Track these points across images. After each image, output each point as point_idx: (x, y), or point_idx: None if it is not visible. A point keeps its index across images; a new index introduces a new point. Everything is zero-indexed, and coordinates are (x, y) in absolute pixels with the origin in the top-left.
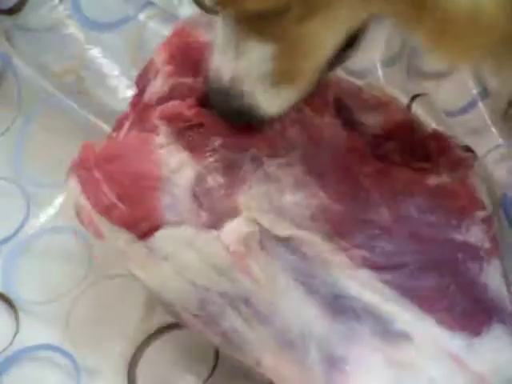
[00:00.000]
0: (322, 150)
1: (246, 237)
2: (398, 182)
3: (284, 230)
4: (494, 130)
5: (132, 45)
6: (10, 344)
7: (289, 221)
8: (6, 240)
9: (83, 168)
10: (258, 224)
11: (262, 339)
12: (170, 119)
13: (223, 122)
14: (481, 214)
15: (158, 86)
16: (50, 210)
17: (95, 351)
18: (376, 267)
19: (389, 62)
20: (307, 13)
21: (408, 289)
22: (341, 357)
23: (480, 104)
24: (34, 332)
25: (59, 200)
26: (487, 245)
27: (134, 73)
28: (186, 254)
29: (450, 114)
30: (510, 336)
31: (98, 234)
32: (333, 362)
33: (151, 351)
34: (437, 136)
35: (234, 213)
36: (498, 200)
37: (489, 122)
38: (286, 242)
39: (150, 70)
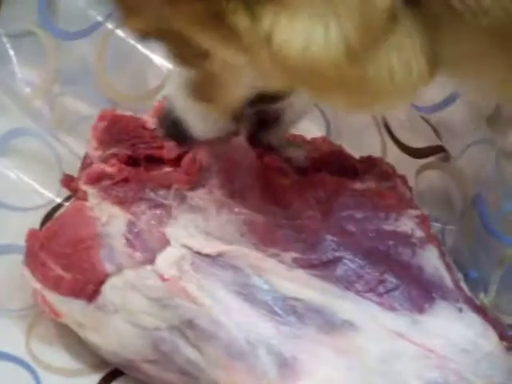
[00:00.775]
0: (237, 171)
1: (178, 261)
2: (323, 187)
3: (214, 248)
4: (468, 128)
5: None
6: None
7: (217, 240)
8: None
9: (30, 254)
10: (188, 247)
11: (213, 358)
12: (94, 181)
13: (144, 172)
14: (413, 212)
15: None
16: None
17: (59, 369)
18: (309, 266)
19: None
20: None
21: (345, 280)
22: (291, 356)
23: (457, 101)
24: None
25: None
26: (420, 233)
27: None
28: (131, 298)
29: (425, 110)
30: (455, 311)
31: (55, 314)
32: (284, 363)
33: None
34: (364, 159)
35: (164, 245)
36: (471, 198)
37: (464, 120)
38: (217, 259)
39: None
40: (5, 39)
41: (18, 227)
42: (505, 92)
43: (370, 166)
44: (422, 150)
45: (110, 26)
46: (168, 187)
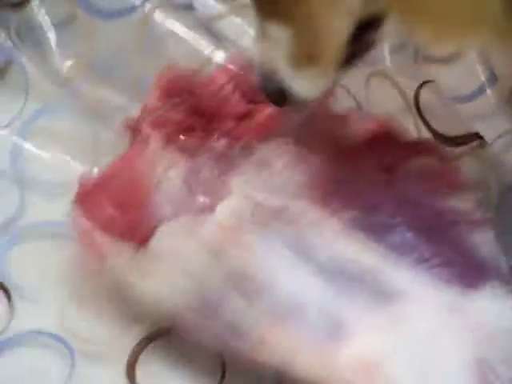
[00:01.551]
0: (305, 129)
1: (238, 211)
2: (389, 153)
3: (276, 201)
4: (502, 115)
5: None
6: (6, 329)
7: (280, 194)
8: (2, 228)
9: (84, 195)
10: (250, 198)
11: (262, 312)
12: (159, 125)
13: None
14: (469, 195)
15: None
16: (48, 200)
17: (92, 338)
18: (366, 226)
19: (397, 49)
20: None
21: (400, 247)
22: (340, 319)
23: (488, 90)
24: (29, 319)
25: (57, 191)
26: (477, 215)
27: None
28: (185, 244)
29: (459, 100)
30: (507, 292)
31: (100, 255)
32: (332, 325)
33: (155, 348)
34: (423, 141)
35: (226, 194)
36: (507, 186)
37: (497, 108)
38: (278, 213)
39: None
40: (43, 19)
41: (58, 206)
42: None
43: (431, 149)
44: (456, 138)
45: (147, 8)
46: (236, 139)
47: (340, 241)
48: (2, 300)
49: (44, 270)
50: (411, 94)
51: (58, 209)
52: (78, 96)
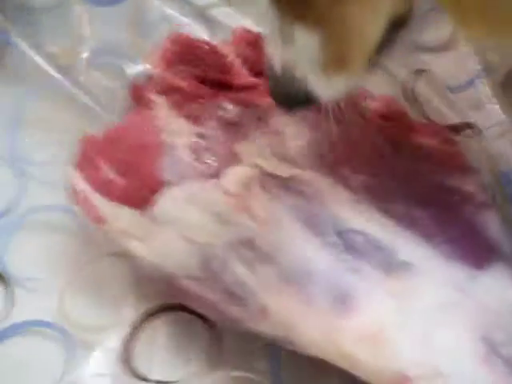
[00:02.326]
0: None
1: (246, 178)
2: (397, 129)
3: (285, 170)
4: (495, 105)
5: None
6: (5, 319)
7: (290, 163)
8: (1, 216)
9: (84, 157)
10: (259, 167)
11: (266, 281)
12: (166, 92)
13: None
14: (476, 177)
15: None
16: (47, 187)
17: (91, 327)
18: (375, 192)
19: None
20: None
21: (408, 219)
22: (345, 290)
23: (482, 79)
24: (28, 307)
25: (56, 177)
26: (482, 197)
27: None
28: (189, 210)
29: (452, 89)
30: (510, 274)
31: (98, 219)
32: (337, 296)
33: (149, 330)
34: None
35: (234, 161)
36: (499, 174)
37: (491, 97)
38: (287, 182)
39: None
40: (37, 5)
41: (57, 193)
42: None
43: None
44: (449, 127)
45: None
46: (246, 106)
47: (347, 211)
48: (3, 290)
49: (42, 259)
50: (406, 82)
51: (57, 195)
52: (71, 80)
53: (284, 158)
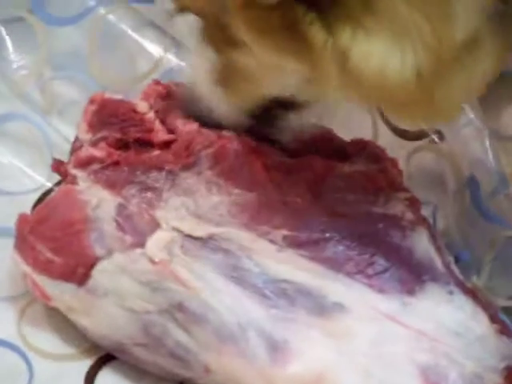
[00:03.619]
0: (226, 152)
1: (167, 244)
2: (311, 169)
3: (204, 230)
4: (464, 108)
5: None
6: None
7: (207, 222)
8: None
9: (20, 238)
10: (177, 230)
11: (203, 341)
12: (83, 165)
13: (134, 155)
14: (403, 194)
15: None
16: None
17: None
18: (298, 243)
19: None
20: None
21: (334, 261)
22: (281, 339)
23: None
24: None
25: None
26: (410, 216)
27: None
28: (122, 281)
29: None
30: (446, 294)
31: (45, 297)
32: (274, 346)
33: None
34: (355, 141)
35: (154, 228)
36: (464, 180)
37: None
38: (207, 241)
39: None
40: None
41: (9, 211)
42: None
43: (360, 149)
44: (414, 132)
45: (102, 11)
46: (159, 169)
47: (273, 262)
48: None
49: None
50: None
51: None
52: (34, 100)
53: (200, 217)
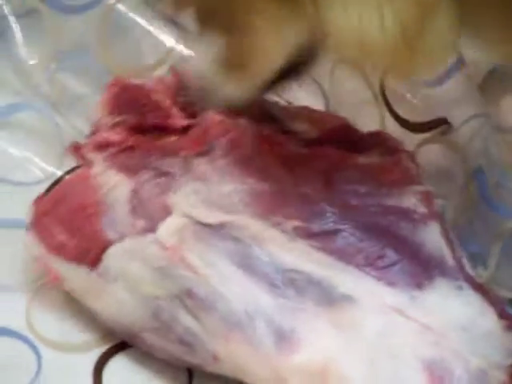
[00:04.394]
0: (242, 141)
1: (179, 230)
2: (326, 160)
3: (215, 218)
4: (470, 100)
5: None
6: None
7: (219, 210)
8: None
9: (35, 220)
10: (190, 217)
11: (211, 328)
12: (99, 148)
13: (150, 140)
14: (416, 187)
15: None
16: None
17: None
18: (309, 234)
19: None
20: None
21: (344, 253)
22: (289, 328)
23: (457, 74)
24: None
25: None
26: (422, 209)
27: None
28: (132, 266)
29: (426, 84)
30: (455, 288)
31: (57, 279)
32: (282, 335)
33: (119, 355)
34: (371, 133)
35: (166, 214)
36: (471, 171)
37: (466, 92)
38: (219, 229)
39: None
40: (8, 14)
41: (21, 202)
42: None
43: (377, 141)
44: (422, 124)
45: (111, 0)
46: (174, 156)
47: (283, 252)
48: None
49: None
50: (377, 82)
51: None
52: (43, 90)
53: (213, 204)
